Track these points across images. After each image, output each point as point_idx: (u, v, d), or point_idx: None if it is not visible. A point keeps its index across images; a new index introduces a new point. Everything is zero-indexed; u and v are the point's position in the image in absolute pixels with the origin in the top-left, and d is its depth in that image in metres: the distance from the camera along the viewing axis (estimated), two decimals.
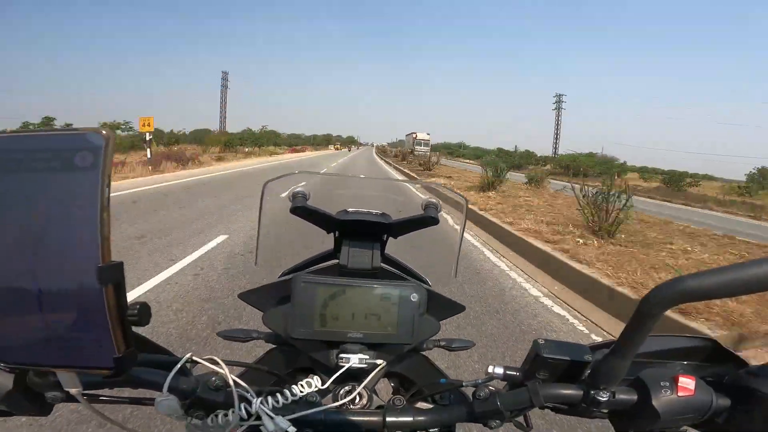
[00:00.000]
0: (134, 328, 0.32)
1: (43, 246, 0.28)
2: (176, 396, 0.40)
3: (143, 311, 0.31)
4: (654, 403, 0.37)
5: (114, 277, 0.28)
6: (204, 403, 0.41)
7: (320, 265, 0.60)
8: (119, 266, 0.29)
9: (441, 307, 0.56)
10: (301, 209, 0.55)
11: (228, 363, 0.44)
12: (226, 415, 0.41)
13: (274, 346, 0.58)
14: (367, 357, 0.50)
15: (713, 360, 0.47)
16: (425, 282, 0.61)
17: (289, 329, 0.50)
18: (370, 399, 0.49)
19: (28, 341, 0.30)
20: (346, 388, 0.48)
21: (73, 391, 0.35)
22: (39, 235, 0.28)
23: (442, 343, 0.60)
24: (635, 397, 0.39)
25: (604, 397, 0.39)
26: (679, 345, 0.48)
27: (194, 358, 0.42)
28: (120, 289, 0.29)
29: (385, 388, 0.67)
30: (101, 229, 0.27)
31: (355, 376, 0.50)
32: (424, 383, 0.57)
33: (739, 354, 0.46)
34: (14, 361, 0.31)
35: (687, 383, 0.38)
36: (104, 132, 0.27)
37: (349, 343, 0.51)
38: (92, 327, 0.29)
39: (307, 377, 0.48)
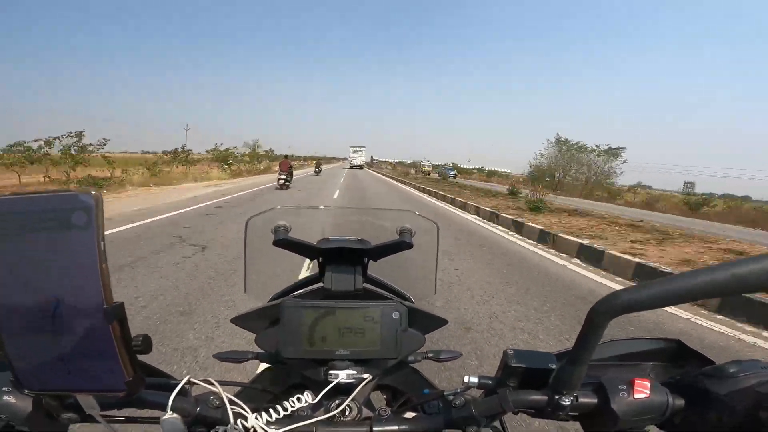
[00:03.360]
0: (140, 357, 0.37)
1: (56, 292, 0.33)
2: (179, 415, 0.44)
3: (146, 341, 0.37)
4: (613, 406, 0.40)
5: (117, 315, 0.34)
6: (204, 420, 0.45)
7: (307, 288, 0.65)
8: (121, 306, 0.34)
9: (424, 321, 0.59)
10: (284, 241, 0.60)
11: (225, 383, 0.48)
12: (225, 431, 0.45)
13: (268, 365, 0.62)
14: (355, 372, 0.54)
15: (680, 359, 0.50)
16: (408, 299, 0.65)
17: (280, 350, 0.54)
18: (359, 411, 0.53)
19: (51, 371, 0.35)
20: (336, 401, 0.51)
21: (92, 412, 0.41)
22: (51, 284, 0.33)
23: (430, 355, 0.63)
24: (596, 400, 0.42)
25: (566, 401, 0.41)
26: (648, 347, 0.51)
27: (192, 380, 0.47)
28: (124, 325, 0.34)
29: (380, 400, 0.70)
30: (102, 277, 0.32)
31: (345, 390, 0.53)
32: (413, 394, 0.61)
33: (703, 353, 0.48)
34: (39, 388, 0.36)
35: (643, 385, 0.41)
36: (94, 192, 0.32)
37: (337, 360, 0.54)
38: (104, 357, 0.34)
39: (299, 393, 0.52)
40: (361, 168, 53.44)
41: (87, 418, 0.42)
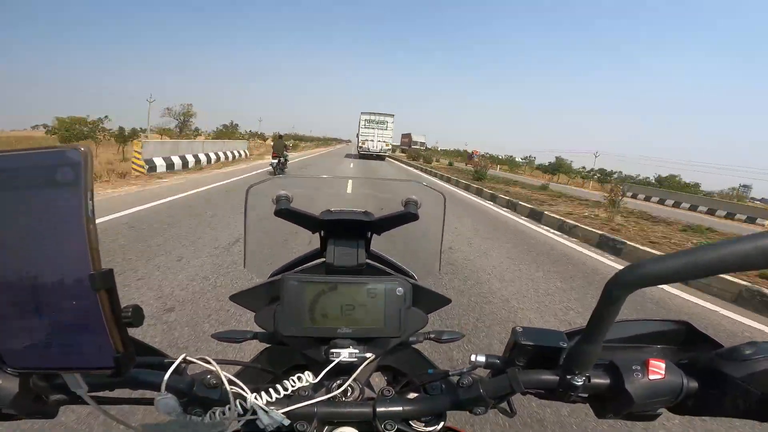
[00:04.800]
0: (132, 333, 0.35)
1: (37, 258, 0.30)
2: (174, 395, 0.42)
3: (136, 313, 0.34)
4: (627, 387, 0.39)
5: (105, 282, 0.31)
6: (201, 400, 0.43)
7: (308, 264, 0.63)
8: (110, 273, 0.31)
9: (428, 300, 0.58)
10: (285, 212, 0.57)
11: (223, 362, 0.46)
12: (223, 412, 0.43)
13: (268, 345, 0.60)
14: (357, 351, 0.52)
15: (688, 342, 0.48)
16: (411, 276, 0.64)
17: (280, 327, 0.52)
18: (361, 391, 0.52)
19: (32, 347, 0.32)
20: (338, 381, 0.50)
21: (79, 392, 0.38)
22: (32, 249, 0.30)
23: (432, 336, 0.61)
24: (609, 381, 0.41)
25: (578, 381, 0.40)
26: (656, 329, 0.50)
27: (188, 358, 0.45)
28: (112, 294, 0.32)
29: (380, 381, 0.69)
30: (89, 240, 0.29)
31: (347, 370, 0.52)
32: (415, 374, 0.59)
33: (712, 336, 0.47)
34: (21, 366, 0.34)
35: (658, 366, 0.40)
36: (82, 148, 0.29)
37: (338, 338, 0.53)
38: (91, 330, 0.31)
39: (300, 373, 0.51)
40: (383, 159, 26.61)
41: (78, 400, 0.39)
